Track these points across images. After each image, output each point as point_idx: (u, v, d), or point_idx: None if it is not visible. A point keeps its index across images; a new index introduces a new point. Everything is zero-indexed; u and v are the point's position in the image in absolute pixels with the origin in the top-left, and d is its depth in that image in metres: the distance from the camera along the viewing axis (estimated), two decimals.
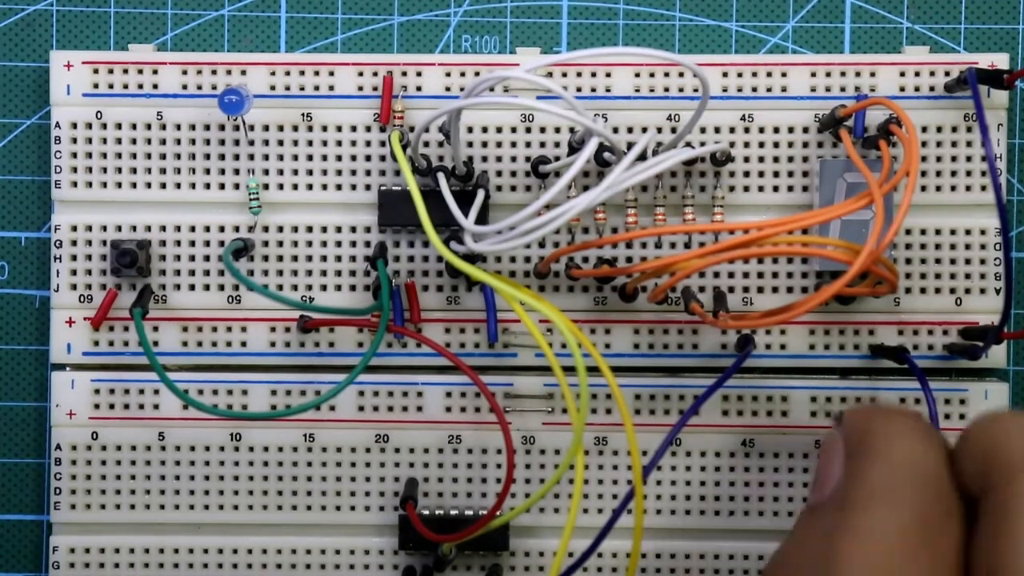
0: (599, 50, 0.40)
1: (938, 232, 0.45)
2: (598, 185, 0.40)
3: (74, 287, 0.46)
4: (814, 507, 0.36)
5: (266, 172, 0.45)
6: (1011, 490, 0.33)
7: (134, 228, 0.46)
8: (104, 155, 0.45)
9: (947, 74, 0.45)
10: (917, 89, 0.45)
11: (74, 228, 0.45)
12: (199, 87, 0.45)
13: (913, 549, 0.33)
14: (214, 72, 0.45)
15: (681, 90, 0.45)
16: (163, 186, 0.45)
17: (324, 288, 0.46)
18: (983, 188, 0.45)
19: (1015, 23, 0.47)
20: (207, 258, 0.46)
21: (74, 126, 0.45)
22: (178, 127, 0.45)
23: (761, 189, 0.45)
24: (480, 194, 0.44)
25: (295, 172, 0.45)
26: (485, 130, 0.45)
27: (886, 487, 0.34)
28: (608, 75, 0.45)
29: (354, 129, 0.45)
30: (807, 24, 0.47)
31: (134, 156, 0.45)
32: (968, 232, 0.45)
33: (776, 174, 0.45)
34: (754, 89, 0.45)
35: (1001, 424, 0.34)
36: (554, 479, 0.43)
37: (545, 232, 0.40)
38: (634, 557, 0.43)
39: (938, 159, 0.45)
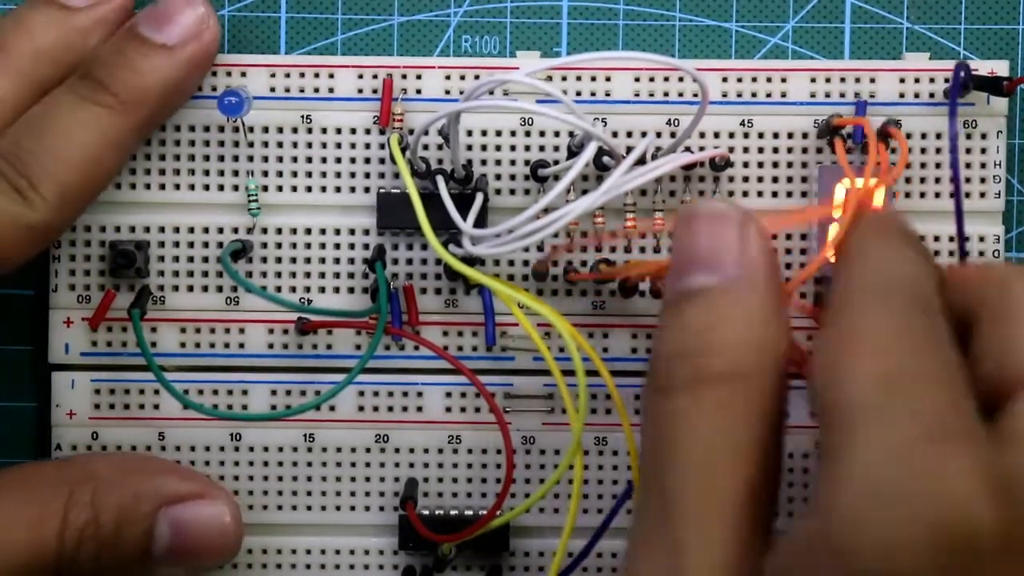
0: (598, 54, 0.40)
1: (936, 239, 0.45)
2: (597, 189, 0.40)
3: (72, 287, 0.46)
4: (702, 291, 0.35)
5: (265, 174, 0.45)
6: (1010, 294, 0.33)
7: (132, 229, 0.45)
8: None
9: (947, 80, 0.45)
10: (917, 96, 0.45)
11: (73, 229, 0.45)
12: (199, 88, 0.45)
13: (917, 348, 0.32)
14: (214, 74, 0.45)
15: (681, 95, 0.45)
16: (162, 187, 0.45)
17: (323, 290, 0.46)
18: (982, 195, 0.45)
19: (1015, 23, 0.46)
20: (205, 259, 0.46)
21: None
22: (177, 128, 0.45)
23: (760, 194, 0.45)
24: (479, 197, 0.44)
25: (294, 174, 0.45)
26: (484, 133, 0.45)
27: (876, 287, 0.34)
28: (608, 79, 0.45)
29: (354, 131, 0.45)
30: (807, 24, 0.47)
31: (133, 157, 0.45)
32: (967, 239, 0.45)
33: (775, 179, 0.45)
34: (754, 94, 0.45)
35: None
36: (553, 480, 0.43)
37: (543, 235, 0.40)
38: None
39: (937, 166, 0.45)
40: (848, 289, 0.34)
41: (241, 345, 0.46)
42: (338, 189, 0.45)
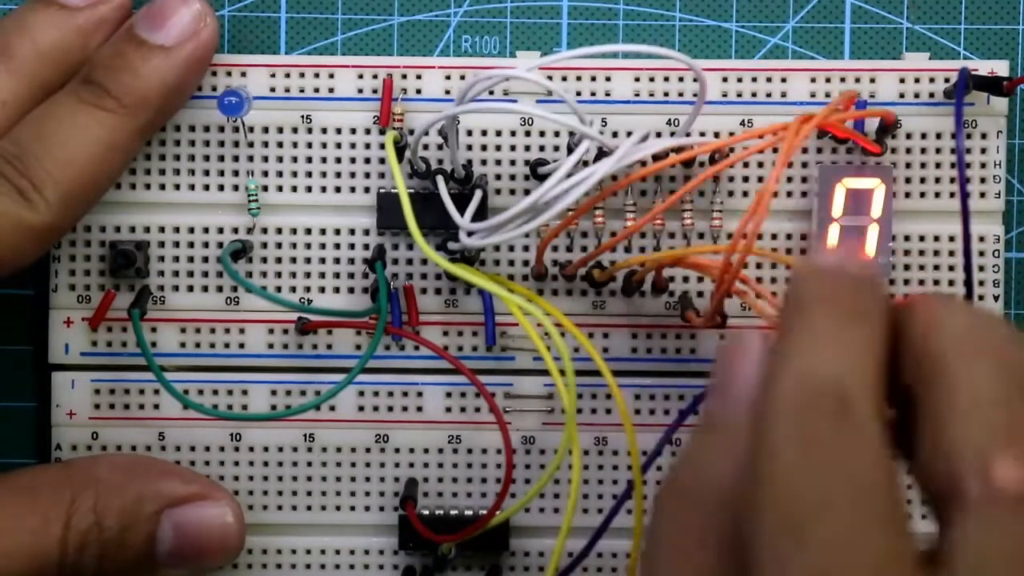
0: (596, 48, 0.39)
1: (936, 239, 0.45)
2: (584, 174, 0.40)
3: (72, 287, 0.46)
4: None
5: (265, 174, 0.45)
6: (943, 381, 0.31)
7: (132, 229, 0.45)
8: None
9: (947, 80, 0.45)
10: (917, 95, 0.45)
11: (73, 229, 0.45)
12: (199, 88, 0.45)
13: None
14: (214, 73, 0.45)
15: (681, 95, 0.45)
16: (162, 187, 0.45)
17: (323, 290, 0.46)
18: (982, 195, 0.45)
19: (1015, 23, 0.46)
20: (205, 259, 0.46)
21: None
22: (177, 128, 0.45)
23: None
24: (478, 194, 0.44)
25: (294, 174, 0.45)
26: (484, 133, 0.45)
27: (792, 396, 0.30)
28: (608, 79, 0.45)
29: (353, 131, 0.45)
30: (807, 24, 0.47)
31: (133, 157, 0.45)
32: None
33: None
34: (754, 94, 0.45)
35: (935, 312, 0.32)
36: (547, 476, 0.43)
37: (538, 222, 0.40)
38: (633, 557, 0.44)
39: (937, 165, 0.45)
40: (763, 407, 0.31)
41: (241, 345, 0.46)
42: (338, 189, 0.45)
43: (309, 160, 0.45)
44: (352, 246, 0.46)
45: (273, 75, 0.45)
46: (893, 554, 0.28)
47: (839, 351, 0.31)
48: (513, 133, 0.45)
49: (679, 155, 0.40)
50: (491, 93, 0.44)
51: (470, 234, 0.41)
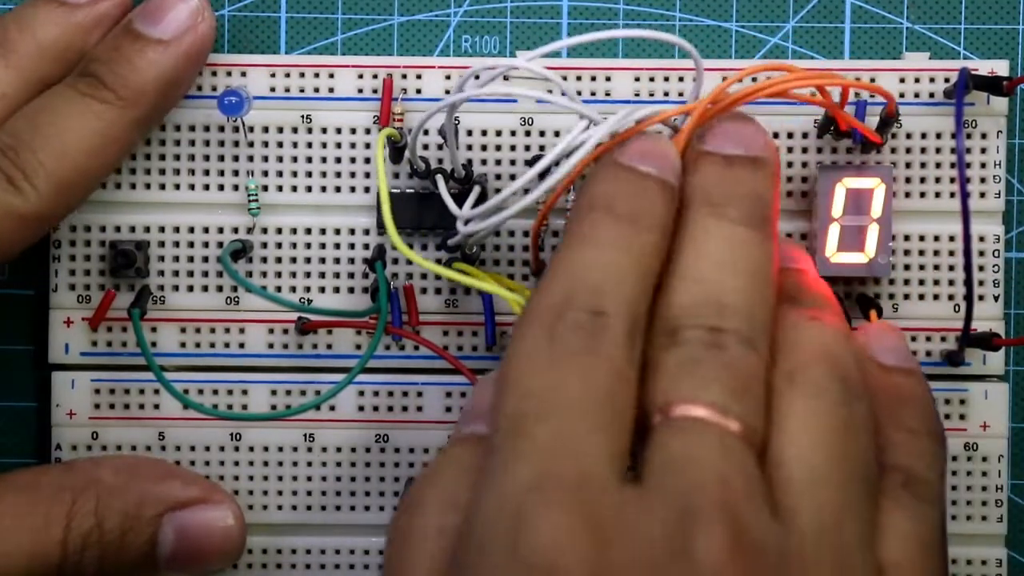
0: (594, 35, 0.39)
1: (936, 239, 0.45)
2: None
3: (72, 287, 0.46)
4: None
5: (265, 174, 0.45)
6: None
7: (133, 229, 0.46)
8: None
9: (947, 80, 0.45)
10: (917, 95, 0.45)
11: (73, 228, 0.45)
12: (199, 88, 0.45)
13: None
14: (214, 73, 0.45)
15: (681, 95, 0.45)
16: (162, 187, 0.45)
17: (323, 290, 0.46)
18: (982, 195, 0.45)
19: (1015, 23, 0.46)
20: (205, 259, 0.46)
21: None
22: (177, 128, 0.45)
23: None
24: (476, 189, 0.44)
25: (294, 174, 0.45)
26: (484, 133, 0.45)
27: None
28: (608, 79, 0.45)
29: (353, 131, 0.45)
30: (807, 24, 0.47)
31: (133, 157, 0.45)
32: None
33: None
34: None
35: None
36: None
37: (533, 197, 0.39)
38: None
39: (937, 165, 0.45)
40: (525, 312, 0.35)
41: (241, 345, 0.46)
42: (338, 189, 0.45)
43: (309, 160, 0.45)
44: (352, 246, 0.46)
45: (273, 75, 0.45)
46: (605, 459, 0.31)
47: (608, 260, 0.34)
48: (513, 132, 0.45)
49: (660, 115, 0.39)
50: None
51: (467, 222, 0.41)
